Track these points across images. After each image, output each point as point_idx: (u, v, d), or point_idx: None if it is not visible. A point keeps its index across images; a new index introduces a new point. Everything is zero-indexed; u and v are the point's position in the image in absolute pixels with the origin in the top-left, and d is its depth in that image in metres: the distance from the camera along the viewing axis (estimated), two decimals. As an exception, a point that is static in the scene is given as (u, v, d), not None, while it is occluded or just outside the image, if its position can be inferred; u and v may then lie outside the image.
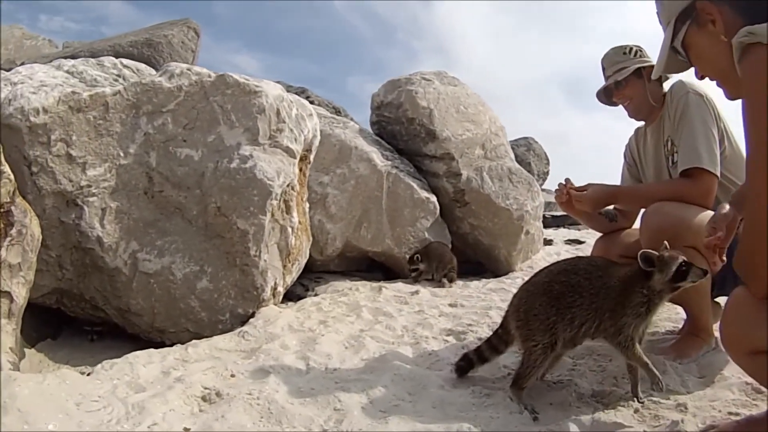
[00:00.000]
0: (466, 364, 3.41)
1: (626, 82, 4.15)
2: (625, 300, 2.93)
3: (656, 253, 2.92)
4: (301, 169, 5.50)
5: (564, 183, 4.04)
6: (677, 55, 2.52)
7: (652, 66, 4.08)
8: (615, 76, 4.17)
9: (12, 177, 3.49)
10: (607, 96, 4.41)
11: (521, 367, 3.03)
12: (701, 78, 2.46)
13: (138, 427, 2.65)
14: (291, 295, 6.12)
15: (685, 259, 2.87)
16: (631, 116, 4.32)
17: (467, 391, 3.17)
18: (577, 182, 4.02)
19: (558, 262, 3.30)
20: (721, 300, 4.03)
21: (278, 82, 10.46)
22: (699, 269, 2.86)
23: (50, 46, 12.26)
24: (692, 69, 2.59)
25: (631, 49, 4.22)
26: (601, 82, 4.37)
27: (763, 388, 2.69)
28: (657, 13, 2.61)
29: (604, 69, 4.31)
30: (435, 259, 7.26)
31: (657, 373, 2.80)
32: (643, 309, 2.90)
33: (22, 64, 7.06)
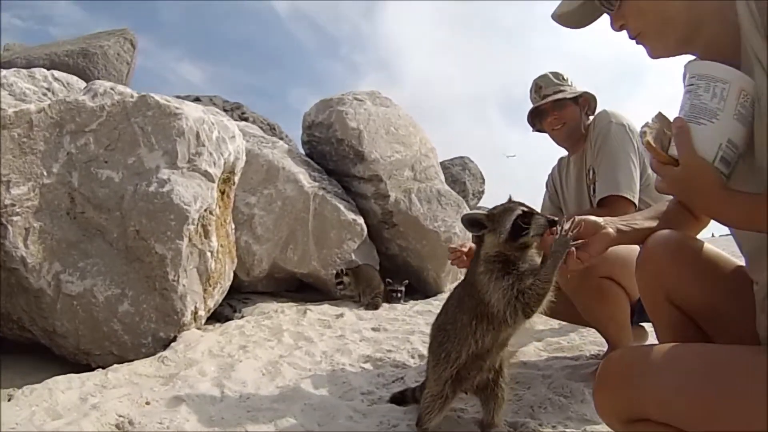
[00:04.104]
0: (401, 398, 3.42)
1: (565, 104, 4.20)
2: (475, 284, 2.67)
3: (483, 212, 2.65)
4: (224, 191, 5.52)
5: (457, 248, 3.81)
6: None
7: (590, 95, 4.24)
8: (554, 96, 4.20)
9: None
10: (536, 117, 4.43)
11: (420, 409, 2.97)
12: (619, 29, 2.13)
13: (50, 456, 2.64)
14: (219, 316, 6.13)
15: (525, 209, 2.56)
16: (559, 141, 4.37)
17: (375, 422, 3.16)
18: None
19: None
20: (646, 324, 4.11)
21: (215, 96, 10.41)
22: (543, 219, 2.51)
23: (-9, 47, 12.15)
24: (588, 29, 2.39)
25: (566, 77, 4.30)
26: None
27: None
28: None
29: (539, 88, 4.30)
30: (363, 282, 7.35)
31: (561, 253, 2.39)
32: (498, 274, 2.57)
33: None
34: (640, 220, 2.47)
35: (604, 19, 2.23)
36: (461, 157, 18.61)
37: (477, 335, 2.69)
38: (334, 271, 7.47)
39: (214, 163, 5.24)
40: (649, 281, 2.37)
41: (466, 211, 8.43)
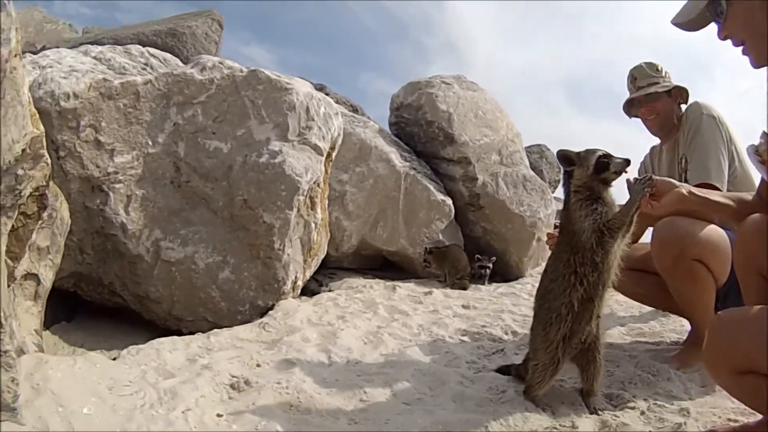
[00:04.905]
0: (506, 371, 3.54)
1: (658, 97, 4.29)
2: (569, 217, 3.04)
3: (573, 151, 3.09)
4: (325, 167, 5.56)
5: (554, 233, 3.97)
6: (705, 9, 2.47)
7: (683, 88, 4.33)
8: (648, 89, 4.31)
9: (49, 161, 3.52)
10: (632, 106, 4.54)
11: (528, 380, 3.11)
12: (724, 39, 2.40)
13: (172, 411, 2.73)
14: (305, 290, 6.17)
15: (606, 152, 3.01)
16: (652, 131, 4.48)
17: (484, 387, 3.28)
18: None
19: None
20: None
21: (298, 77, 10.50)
22: (621, 159, 3.00)
23: (70, 30, 12.30)
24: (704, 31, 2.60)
25: (660, 68, 4.40)
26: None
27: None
28: None
29: (634, 79, 4.43)
30: (449, 263, 7.37)
31: (637, 195, 2.89)
32: (586, 202, 2.98)
33: (43, 47, 7.11)
34: (715, 196, 2.87)
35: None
36: (538, 145, 18.33)
37: (579, 271, 2.94)
38: (424, 248, 7.51)
39: (323, 138, 5.30)
40: (744, 257, 2.63)
41: (551, 197, 8.43)
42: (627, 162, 3.00)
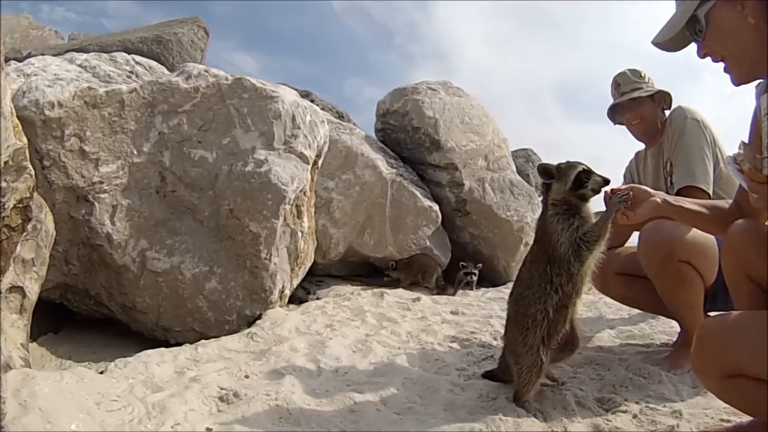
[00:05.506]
0: (491, 376, 3.54)
1: (642, 101, 4.32)
2: (546, 230, 3.08)
3: (553, 164, 3.14)
4: (311, 175, 5.53)
5: None
6: (685, 28, 2.51)
7: (666, 93, 4.38)
8: (632, 93, 4.34)
9: (33, 173, 3.48)
10: (617, 112, 4.57)
11: (516, 385, 3.12)
12: (703, 57, 2.47)
13: (161, 427, 2.70)
14: (292, 298, 6.14)
15: (585, 168, 3.05)
16: (637, 136, 4.50)
17: (475, 394, 3.28)
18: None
19: None
20: (713, 314, 4.13)
21: (282, 84, 10.49)
22: (600, 177, 3.05)
23: (56, 37, 12.26)
24: (687, 50, 2.63)
25: (644, 74, 4.43)
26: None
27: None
28: None
29: (618, 85, 4.45)
30: (417, 269, 7.46)
31: (614, 207, 2.93)
32: (564, 216, 3.03)
33: (29, 54, 7.08)
34: (689, 204, 2.89)
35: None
36: (525, 149, 18.31)
37: (555, 281, 3.02)
38: (389, 265, 7.55)
39: (309, 146, 5.27)
40: (733, 261, 2.65)
41: (538, 201, 8.44)
42: (606, 181, 3.06)
